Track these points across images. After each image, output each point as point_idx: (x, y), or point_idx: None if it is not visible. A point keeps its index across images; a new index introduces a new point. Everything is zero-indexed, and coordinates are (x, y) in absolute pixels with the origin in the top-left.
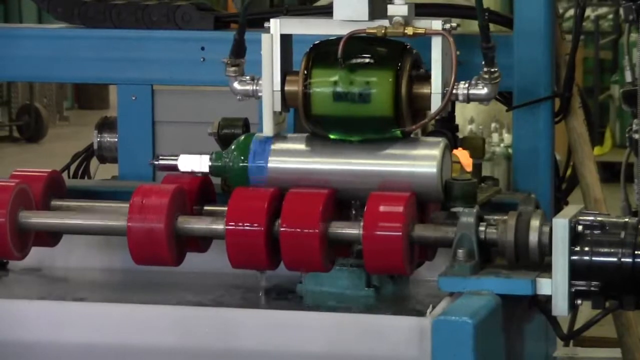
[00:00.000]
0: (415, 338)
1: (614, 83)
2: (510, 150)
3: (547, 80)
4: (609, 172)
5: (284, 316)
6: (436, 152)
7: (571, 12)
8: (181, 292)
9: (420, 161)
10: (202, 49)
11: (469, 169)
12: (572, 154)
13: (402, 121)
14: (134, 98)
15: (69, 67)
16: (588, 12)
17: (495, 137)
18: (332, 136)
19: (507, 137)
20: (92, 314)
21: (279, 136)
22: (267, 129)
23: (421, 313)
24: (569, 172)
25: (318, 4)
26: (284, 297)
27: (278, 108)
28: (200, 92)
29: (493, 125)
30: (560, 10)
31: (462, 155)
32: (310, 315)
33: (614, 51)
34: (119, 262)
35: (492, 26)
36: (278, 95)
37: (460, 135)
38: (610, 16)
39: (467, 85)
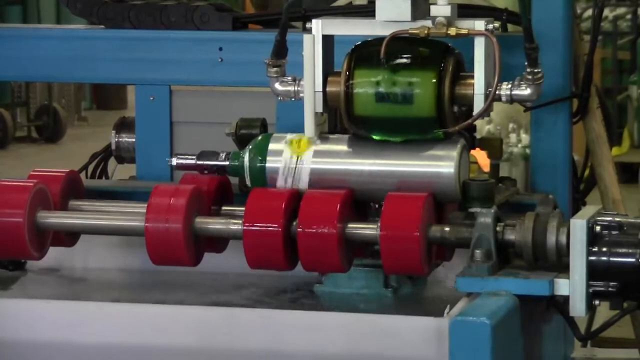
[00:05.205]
0: (432, 339)
1: (632, 83)
2: (528, 151)
3: (565, 81)
4: (627, 173)
5: (301, 317)
6: (454, 152)
7: (589, 12)
8: (199, 292)
9: (438, 161)
10: (220, 49)
11: (487, 169)
12: (590, 154)
13: (445, 122)
14: (152, 98)
15: (88, 67)
16: (606, 12)
17: (513, 137)
18: (374, 137)
19: (525, 138)
20: (109, 314)
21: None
22: (309, 130)
23: (439, 314)
24: (587, 172)
25: (336, 4)
26: (301, 297)
27: (320, 109)
28: (218, 92)
29: (511, 125)
30: (579, 11)
31: (480, 156)
32: (327, 315)
33: (632, 51)
34: (136, 263)
35: (510, 27)
36: (320, 96)
37: (478, 135)
38: (629, 16)
39: (510, 85)
